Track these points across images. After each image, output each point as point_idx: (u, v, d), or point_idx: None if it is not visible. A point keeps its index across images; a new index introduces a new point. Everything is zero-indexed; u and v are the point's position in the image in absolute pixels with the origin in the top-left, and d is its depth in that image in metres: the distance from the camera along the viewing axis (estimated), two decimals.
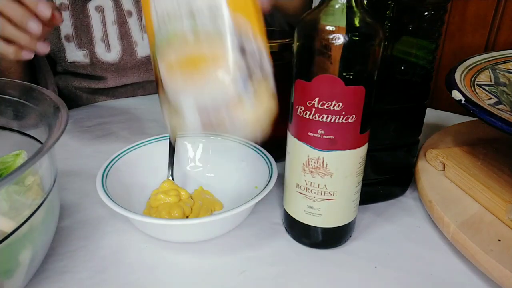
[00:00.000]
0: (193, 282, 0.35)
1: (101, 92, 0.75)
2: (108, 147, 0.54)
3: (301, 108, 0.33)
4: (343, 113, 0.32)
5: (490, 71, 0.46)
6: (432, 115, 0.66)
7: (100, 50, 0.69)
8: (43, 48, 0.47)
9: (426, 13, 0.37)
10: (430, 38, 0.39)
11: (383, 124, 0.41)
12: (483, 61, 0.48)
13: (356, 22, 0.30)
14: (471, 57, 0.48)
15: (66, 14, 0.66)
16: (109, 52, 0.69)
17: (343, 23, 0.30)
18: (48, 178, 0.32)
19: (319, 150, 0.33)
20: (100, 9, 0.67)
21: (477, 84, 0.42)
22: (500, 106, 0.38)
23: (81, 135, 0.59)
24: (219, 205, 0.43)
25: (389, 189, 0.45)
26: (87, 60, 0.69)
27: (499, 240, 0.35)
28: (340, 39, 0.30)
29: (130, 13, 0.69)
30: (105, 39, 0.68)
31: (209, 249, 0.38)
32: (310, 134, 0.33)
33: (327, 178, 0.34)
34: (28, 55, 0.47)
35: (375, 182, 0.44)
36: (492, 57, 0.49)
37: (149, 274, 0.35)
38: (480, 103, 0.36)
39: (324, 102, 0.32)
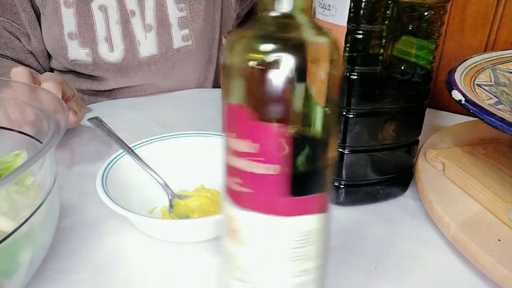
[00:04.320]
0: (193, 282, 0.35)
1: (102, 94, 0.75)
2: (108, 147, 0.54)
3: (226, 141, 0.24)
4: (261, 159, 0.22)
5: (490, 71, 0.46)
6: (432, 115, 0.66)
7: (103, 49, 0.68)
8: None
9: (426, 13, 0.37)
10: (430, 38, 0.39)
11: (383, 124, 0.41)
12: (483, 61, 0.47)
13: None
14: (471, 57, 0.48)
15: (70, 12, 0.66)
16: (112, 52, 0.69)
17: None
18: (48, 178, 0.32)
19: (235, 206, 0.24)
20: (103, 9, 0.67)
21: (477, 84, 0.42)
22: (500, 106, 0.38)
23: (81, 135, 0.59)
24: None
25: (389, 189, 0.45)
26: (89, 59, 0.68)
27: (499, 240, 0.35)
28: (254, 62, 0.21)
29: (133, 13, 0.69)
30: (109, 38, 0.68)
31: (209, 249, 0.38)
32: (228, 180, 0.25)
33: (241, 249, 0.24)
34: None
35: (375, 182, 0.44)
36: (492, 57, 0.49)
37: (149, 274, 0.35)
38: (480, 103, 0.36)
39: (240, 139, 0.22)
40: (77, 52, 0.68)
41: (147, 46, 0.71)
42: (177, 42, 0.72)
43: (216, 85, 0.84)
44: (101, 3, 0.67)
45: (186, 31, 0.72)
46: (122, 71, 0.71)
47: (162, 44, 0.71)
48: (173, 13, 0.70)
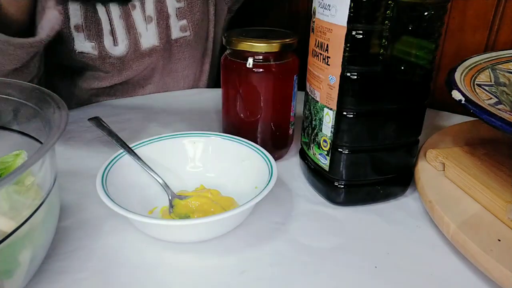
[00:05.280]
0: (193, 282, 0.35)
1: (101, 91, 0.75)
2: (108, 147, 0.54)
3: None
4: None
5: (490, 71, 0.46)
6: (432, 115, 0.66)
7: (108, 43, 0.69)
8: None
9: (426, 13, 0.37)
10: (430, 38, 0.39)
11: (383, 124, 0.41)
12: (483, 61, 0.48)
13: None
14: (471, 57, 0.48)
15: (77, 4, 0.66)
16: (117, 46, 0.70)
17: None
18: (48, 178, 0.32)
19: None
20: (106, 4, 0.68)
21: (477, 84, 0.42)
22: (500, 106, 0.38)
23: (81, 135, 0.59)
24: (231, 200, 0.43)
25: (389, 189, 0.45)
26: (95, 53, 0.69)
27: (499, 240, 0.35)
28: None
29: (134, 6, 0.70)
30: (113, 33, 0.69)
31: (209, 249, 0.38)
32: None
33: None
34: None
35: (375, 182, 0.44)
36: (492, 57, 0.49)
37: (149, 274, 0.35)
38: (480, 103, 0.36)
39: None
40: (83, 45, 0.68)
41: (148, 37, 0.71)
42: (176, 33, 0.73)
43: (211, 79, 0.84)
44: None
45: (184, 21, 0.73)
46: (124, 63, 0.72)
47: (162, 34, 0.72)
48: (171, 3, 0.71)
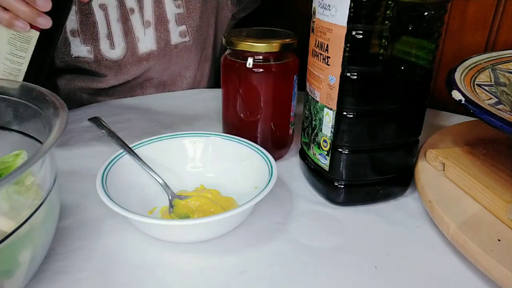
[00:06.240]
0: (193, 282, 0.35)
1: (100, 92, 0.75)
2: (108, 147, 0.54)
3: None
4: None
5: (490, 71, 0.46)
6: (432, 115, 0.66)
7: (104, 47, 0.69)
8: (45, 22, 0.46)
9: (426, 13, 0.37)
10: (430, 38, 0.39)
11: (383, 124, 0.41)
12: (483, 61, 0.48)
13: None
14: (471, 57, 0.48)
15: (72, 9, 0.66)
16: (114, 49, 0.70)
17: None
18: (48, 178, 0.32)
19: None
20: (104, 7, 0.68)
21: (477, 84, 0.42)
22: (500, 106, 0.38)
23: (81, 135, 0.59)
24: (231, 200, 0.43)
25: (389, 189, 0.45)
26: (91, 56, 0.69)
27: (499, 240, 0.35)
28: None
29: (132, 10, 0.70)
30: (110, 36, 0.69)
31: (209, 249, 0.38)
32: None
33: None
34: (23, 27, 0.45)
35: (375, 182, 0.44)
36: (492, 57, 0.49)
37: (149, 274, 0.35)
38: (480, 103, 0.36)
39: None
40: (79, 49, 0.68)
41: (146, 42, 0.71)
42: (175, 38, 0.73)
43: (212, 82, 0.84)
44: (101, 2, 0.67)
45: (183, 27, 0.73)
46: (121, 67, 0.72)
47: (160, 39, 0.72)
48: (170, 9, 0.71)
